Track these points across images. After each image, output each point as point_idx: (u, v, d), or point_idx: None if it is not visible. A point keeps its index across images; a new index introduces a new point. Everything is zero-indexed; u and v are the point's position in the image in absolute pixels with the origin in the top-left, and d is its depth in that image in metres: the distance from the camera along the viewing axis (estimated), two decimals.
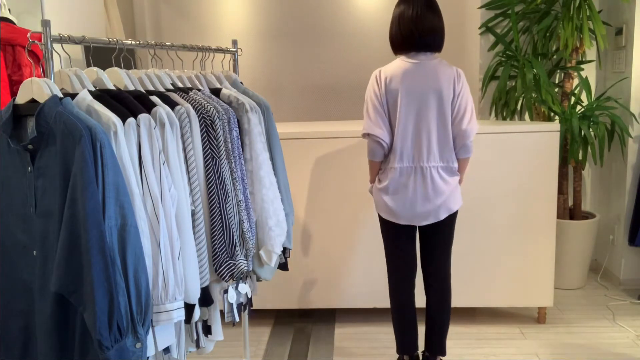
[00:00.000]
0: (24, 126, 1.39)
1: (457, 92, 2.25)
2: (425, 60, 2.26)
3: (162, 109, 1.54)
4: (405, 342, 2.49)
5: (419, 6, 2.23)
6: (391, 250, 2.46)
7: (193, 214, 1.63)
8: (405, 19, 2.24)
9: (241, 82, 2.26)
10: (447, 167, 2.29)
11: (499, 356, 2.71)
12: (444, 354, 2.49)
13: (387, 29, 2.34)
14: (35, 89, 1.36)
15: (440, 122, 2.26)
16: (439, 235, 2.39)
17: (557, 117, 3.46)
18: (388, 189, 2.32)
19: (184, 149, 1.64)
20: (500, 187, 2.89)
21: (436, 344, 2.47)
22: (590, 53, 3.61)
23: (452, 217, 2.36)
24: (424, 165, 2.27)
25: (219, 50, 2.31)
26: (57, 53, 1.49)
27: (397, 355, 2.53)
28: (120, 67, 1.67)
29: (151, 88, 1.74)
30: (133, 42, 1.80)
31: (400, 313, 2.47)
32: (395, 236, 2.42)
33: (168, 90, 1.80)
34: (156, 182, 1.45)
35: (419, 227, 2.42)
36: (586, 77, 3.54)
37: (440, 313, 2.45)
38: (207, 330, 1.79)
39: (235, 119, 1.84)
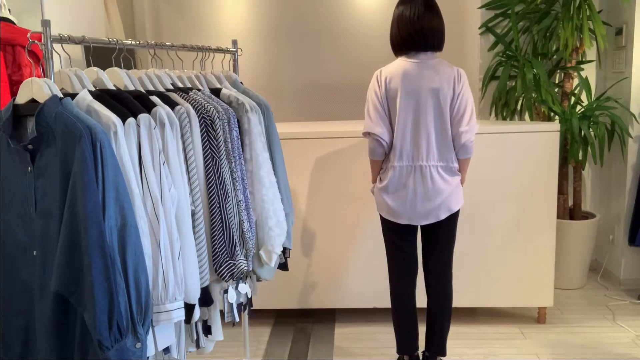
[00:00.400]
0: (24, 126, 1.39)
1: (457, 93, 2.25)
2: (425, 59, 2.27)
3: (162, 109, 1.54)
4: (405, 342, 2.49)
5: (418, 7, 2.23)
6: (392, 250, 2.46)
7: (193, 214, 1.63)
8: (404, 20, 2.25)
9: (241, 82, 2.26)
10: (447, 167, 2.29)
11: (499, 356, 2.71)
12: (444, 354, 2.49)
13: (388, 29, 2.35)
14: (35, 89, 1.36)
15: (439, 121, 2.26)
16: (441, 235, 2.39)
17: (557, 117, 3.46)
18: (388, 188, 2.33)
19: (184, 149, 1.64)
20: (500, 187, 2.89)
21: (436, 344, 2.47)
22: (590, 53, 3.61)
23: (453, 217, 2.36)
24: (423, 164, 2.27)
25: (219, 50, 2.31)
26: (57, 53, 1.49)
27: (397, 355, 2.53)
28: (120, 67, 1.67)
29: (151, 88, 1.74)
30: (133, 42, 1.80)
31: (400, 313, 2.47)
32: (396, 236, 2.42)
33: (168, 90, 1.80)
34: (156, 182, 1.45)
35: (421, 226, 2.43)
36: (586, 77, 3.54)
37: (441, 313, 2.44)
38: (207, 330, 1.79)
39: (235, 119, 1.84)
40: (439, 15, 2.27)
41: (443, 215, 2.31)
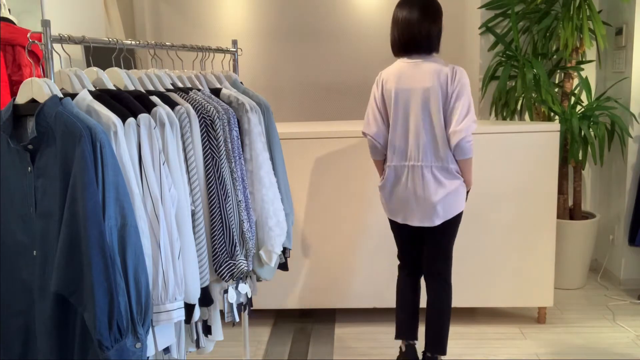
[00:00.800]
0: (24, 126, 1.39)
1: (451, 92, 2.22)
2: (421, 60, 2.27)
3: (162, 109, 1.54)
4: (402, 329, 2.54)
5: (410, 10, 2.25)
6: (398, 246, 2.53)
7: (193, 214, 1.63)
8: (398, 23, 2.28)
9: (241, 82, 2.26)
10: (443, 167, 2.27)
11: (499, 356, 2.71)
12: (442, 353, 2.48)
13: (387, 29, 2.37)
14: (35, 89, 1.36)
15: (429, 121, 2.26)
16: (438, 238, 2.40)
17: (557, 117, 3.46)
18: (385, 187, 2.38)
19: (184, 149, 1.64)
20: (500, 187, 2.89)
21: (435, 343, 2.46)
22: (590, 53, 3.61)
23: (451, 222, 2.35)
24: (416, 164, 2.28)
25: (219, 50, 2.32)
26: (57, 53, 1.49)
27: (396, 356, 2.56)
28: (120, 67, 1.67)
29: (151, 88, 1.74)
30: (133, 42, 1.80)
31: (400, 304, 2.54)
32: (398, 233, 2.48)
33: (168, 90, 1.80)
34: (156, 182, 1.45)
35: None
36: (586, 77, 3.54)
37: (437, 313, 2.45)
38: (207, 330, 1.79)
39: (235, 119, 1.84)
40: (433, 19, 2.25)
41: (437, 221, 2.31)
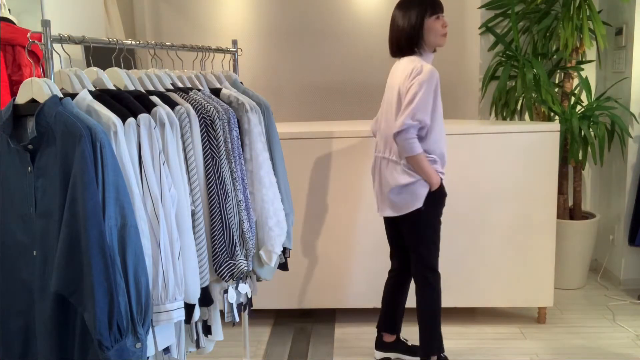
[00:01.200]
0: (24, 126, 1.39)
1: (405, 89, 2.23)
2: (400, 59, 2.37)
3: (162, 109, 1.54)
4: (379, 319, 2.68)
5: (394, 13, 2.34)
6: None
7: (193, 214, 1.63)
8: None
9: (241, 82, 2.26)
10: (394, 162, 2.33)
11: (499, 356, 2.71)
12: (430, 353, 2.44)
13: (387, 29, 2.41)
14: (35, 89, 1.36)
15: (390, 116, 2.34)
16: (405, 234, 2.42)
17: (557, 117, 3.46)
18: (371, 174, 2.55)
19: (184, 149, 1.64)
20: (500, 187, 2.89)
21: (421, 344, 2.46)
22: (590, 53, 3.61)
23: (411, 218, 2.33)
24: (378, 156, 2.43)
25: (219, 50, 2.32)
26: (57, 53, 1.49)
27: (395, 356, 2.64)
28: (120, 67, 1.67)
29: (151, 88, 1.74)
30: (133, 42, 1.80)
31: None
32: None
33: (168, 90, 1.80)
34: (156, 182, 1.45)
35: None
36: (586, 77, 3.54)
37: (421, 314, 2.44)
38: (207, 330, 1.79)
39: (235, 119, 1.84)
40: (409, 20, 2.25)
41: (388, 212, 2.37)
